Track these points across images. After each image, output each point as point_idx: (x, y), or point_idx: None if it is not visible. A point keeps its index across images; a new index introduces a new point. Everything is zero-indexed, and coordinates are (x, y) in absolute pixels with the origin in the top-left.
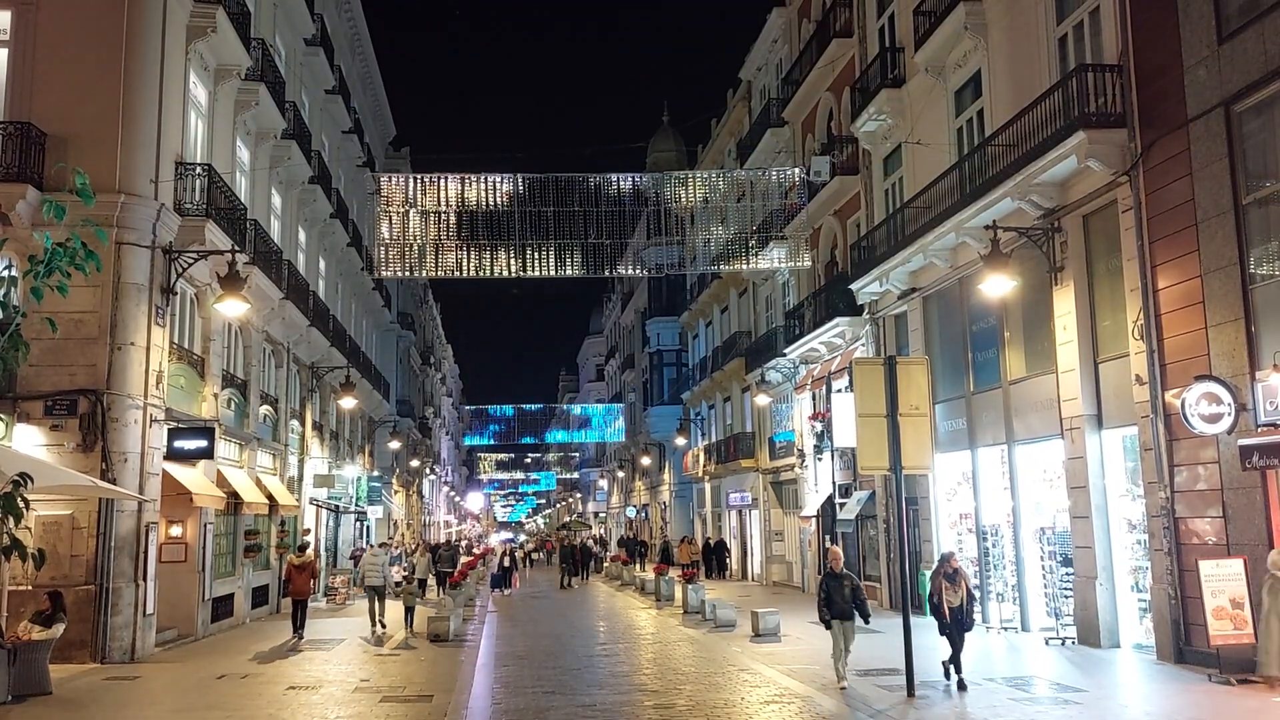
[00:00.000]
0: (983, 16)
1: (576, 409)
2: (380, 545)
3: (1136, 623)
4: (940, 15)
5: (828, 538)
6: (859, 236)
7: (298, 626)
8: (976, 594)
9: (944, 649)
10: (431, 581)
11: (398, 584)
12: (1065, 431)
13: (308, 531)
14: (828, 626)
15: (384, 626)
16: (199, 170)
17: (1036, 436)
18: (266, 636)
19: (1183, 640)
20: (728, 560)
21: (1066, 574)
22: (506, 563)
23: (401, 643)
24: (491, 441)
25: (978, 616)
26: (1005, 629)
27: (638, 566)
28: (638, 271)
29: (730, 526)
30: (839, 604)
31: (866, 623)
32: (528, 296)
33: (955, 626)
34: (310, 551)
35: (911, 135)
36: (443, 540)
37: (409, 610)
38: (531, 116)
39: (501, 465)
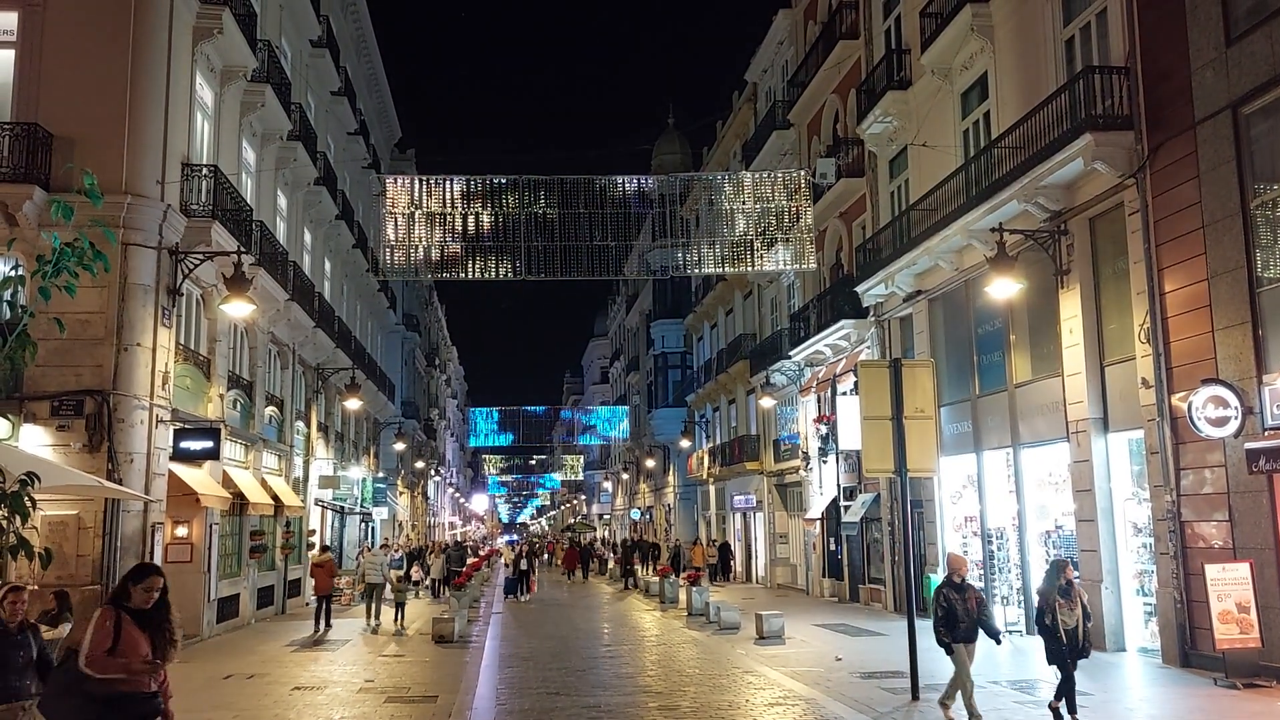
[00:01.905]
0: (989, 18)
1: (581, 411)
2: (380, 546)
3: (1142, 626)
4: (947, 17)
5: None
6: (864, 239)
7: (324, 620)
8: (1090, 610)
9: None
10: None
11: (415, 582)
12: (1071, 435)
13: (313, 532)
14: (949, 651)
15: (379, 621)
16: (205, 171)
17: (1042, 439)
18: (272, 636)
19: (1188, 644)
20: (732, 563)
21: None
22: (523, 565)
23: (391, 635)
24: (496, 443)
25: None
26: (1010, 632)
27: (647, 570)
28: (643, 274)
29: (734, 529)
30: (963, 622)
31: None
32: (532, 299)
33: (1071, 653)
34: (329, 553)
35: (917, 137)
36: (451, 542)
37: (399, 606)
38: (537, 118)
39: (506, 467)
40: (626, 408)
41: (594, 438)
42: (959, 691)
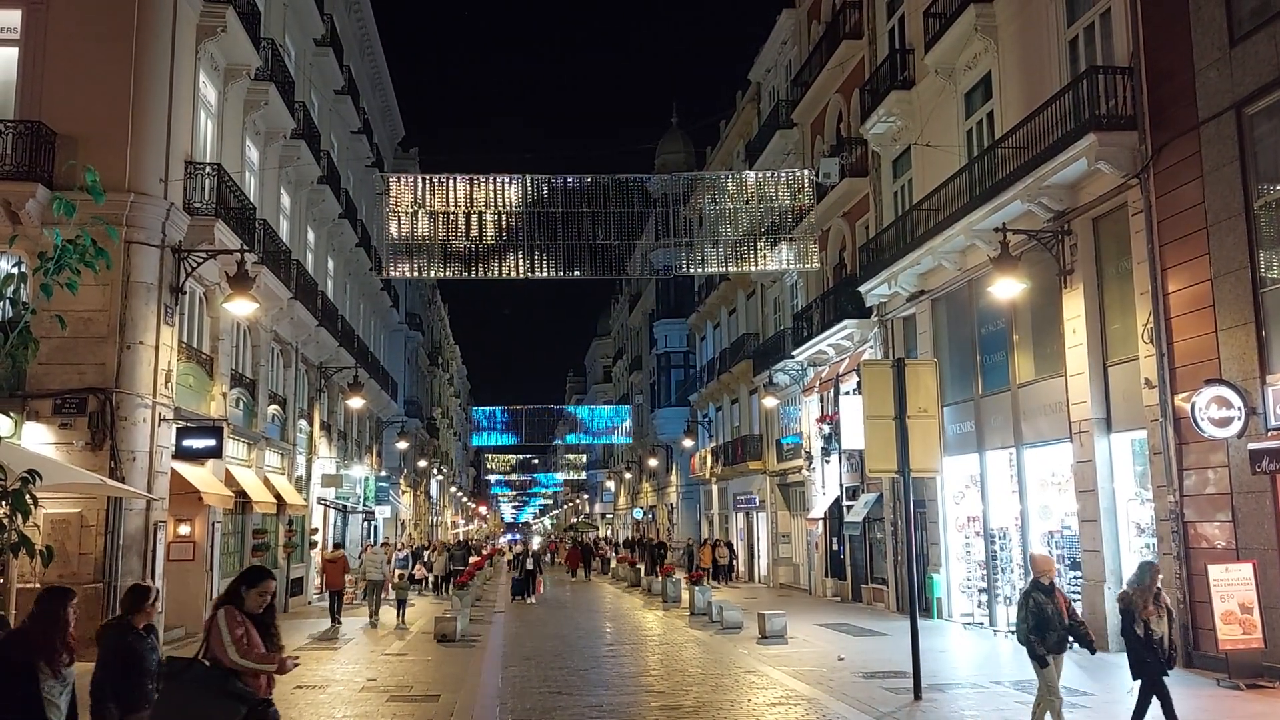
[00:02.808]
0: (993, 18)
1: (584, 410)
2: (381, 545)
3: None
4: (950, 17)
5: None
6: (868, 238)
7: (335, 615)
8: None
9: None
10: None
11: (418, 581)
12: (1074, 435)
13: (315, 531)
14: (1043, 664)
15: (379, 617)
16: (208, 170)
17: (1045, 440)
18: None
19: (1191, 645)
20: (734, 563)
21: (1074, 578)
22: (530, 565)
23: (393, 630)
24: (499, 442)
25: (973, 614)
26: (1013, 632)
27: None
28: (646, 273)
29: (737, 528)
30: (1055, 630)
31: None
32: (535, 297)
33: (1163, 664)
34: (341, 550)
35: (921, 137)
36: (454, 541)
37: (401, 603)
38: (540, 117)
39: (509, 466)
40: (628, 406)
41: (598, 435)
42: (1048, 713)
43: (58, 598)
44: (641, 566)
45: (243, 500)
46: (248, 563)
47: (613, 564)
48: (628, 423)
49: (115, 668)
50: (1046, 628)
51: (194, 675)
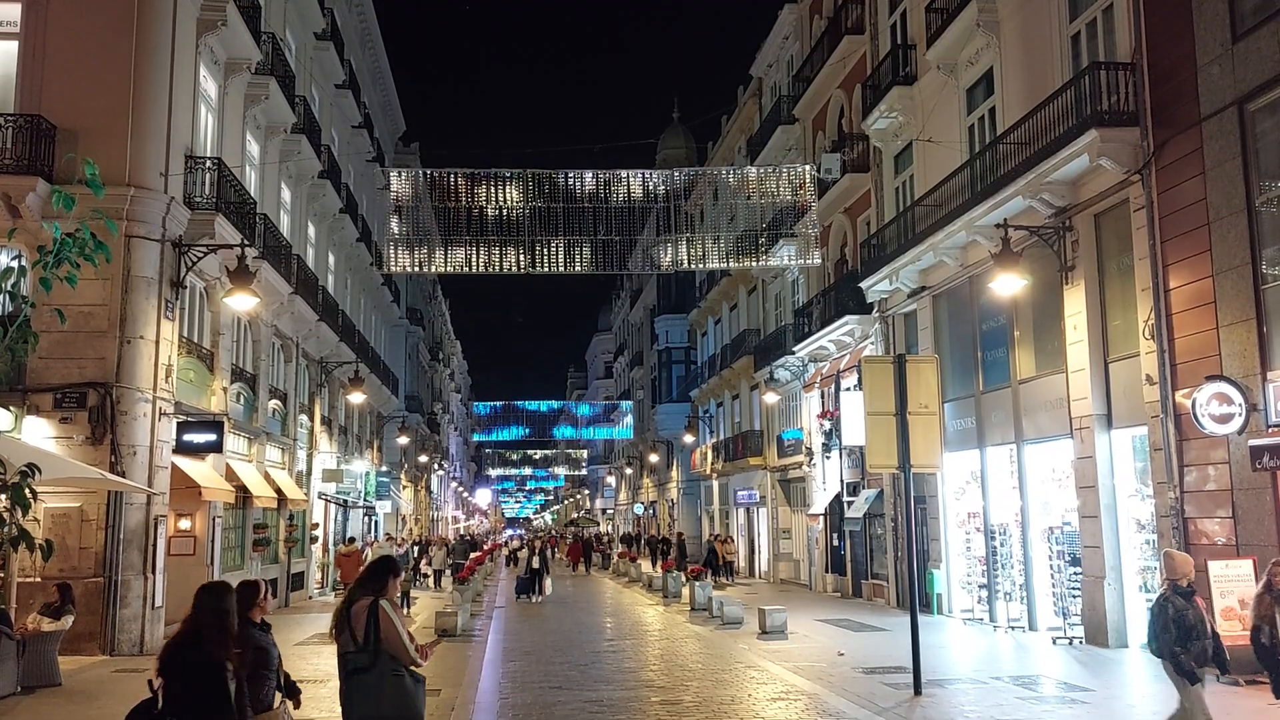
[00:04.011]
0: (995, 14)
1: (585, 406)
2: (386, 539)
3: (1144, 623)
4: (952, 12)
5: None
6: (869, 234)
7: None
8: None
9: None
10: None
11: (423, 575)
12: (1075, 431)
13: (316, 526)
14: (1194, 680)
15: None
16: (209, 164)
17: (1046, 436)
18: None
19: None
20: (733, 559)
21: (1074, 574)
22: (536, 563)
23: None
24: (500, 437)
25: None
26: (1012, 628)
27: (656, 568)
28: (647, 269)
29: (738, 524)
30: (1199, 640)
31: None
32: (536, 293)
33: None
34: (355, 544)
35: (923, 133)
36: (455, 537)
37: (405, 596)
38: (542, 112)
39: (510, 461)
40: (629, 402)
41: (599, 431)
42: None
43: (221, 593)
44: (643, 562)
45: (243, 495)
46: (249, 558)
47: (613, 559)
48: (628, 418)
49: (248, 665)
50: (1189, 637)
51: (384, 668)
